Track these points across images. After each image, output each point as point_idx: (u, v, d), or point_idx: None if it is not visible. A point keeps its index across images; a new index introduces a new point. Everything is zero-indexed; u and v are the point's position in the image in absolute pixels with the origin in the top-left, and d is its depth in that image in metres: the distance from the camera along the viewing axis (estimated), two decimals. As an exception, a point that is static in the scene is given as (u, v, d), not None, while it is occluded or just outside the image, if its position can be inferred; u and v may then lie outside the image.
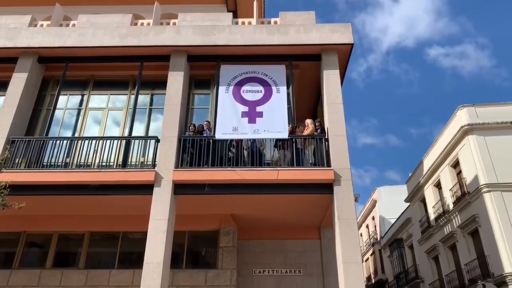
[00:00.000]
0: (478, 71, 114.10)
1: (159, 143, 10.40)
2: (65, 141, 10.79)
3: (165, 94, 11.19)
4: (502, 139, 19.10)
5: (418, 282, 25.80)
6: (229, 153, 10.26)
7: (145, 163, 10.50)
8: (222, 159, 10.12)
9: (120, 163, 10.31)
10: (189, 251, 11.65)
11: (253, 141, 10.50)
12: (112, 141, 10.66)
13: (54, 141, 10.77)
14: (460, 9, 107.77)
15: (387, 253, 32.23)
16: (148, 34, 11.73)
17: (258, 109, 10.89)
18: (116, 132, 11.61)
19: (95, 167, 10.22)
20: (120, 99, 12.26)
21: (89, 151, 10.45)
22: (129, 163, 10.40)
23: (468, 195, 19.34)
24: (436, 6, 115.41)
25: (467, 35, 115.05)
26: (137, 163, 10.52)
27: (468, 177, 19.76)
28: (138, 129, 11.47)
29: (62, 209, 11.10)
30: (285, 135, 10.35)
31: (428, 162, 24.14)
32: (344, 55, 11.68)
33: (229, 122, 10.63)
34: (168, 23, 12.58)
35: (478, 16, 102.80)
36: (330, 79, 11.16)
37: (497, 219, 17.49)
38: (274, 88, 11.22)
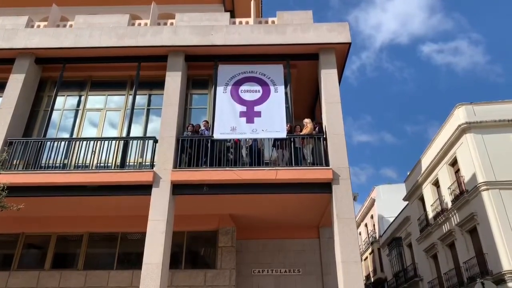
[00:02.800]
0: (472, 68, 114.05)
1: (157, 144, 10.38)
2: (63, 142, 10.77)
3: (163, 94, 11.18)
4: (500, 137, 19.14)
5: (417, 280, 25.85)
6: (229, 154, 10.25)
7: (143, 163, 10.49)
8: (220, 159, 10.12)
9: (118, 163, 10.30)
10: (188, 251, 11.64)
11: (254, 140, 10.50)
12: (110, 141, 10.64)
13: (52, 142, 10.75)
14: (453, 5, 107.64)
15: (386, 251, 32.28)
16: (146, 34, 11.71)
17: (256, 108, 10.88)
18: (114, 132, 11.60)
19: (93, 168, 10.21)
20: (118, 100, 12.24)
21: (87, 152, 10.43)
22: (127, 163, 10.39)
23: (466, 193, 19.38)
24: (430, 2, 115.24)
25: (461, 31, 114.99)
26: (135, 163, 10.50)
27: (466, 175, 19.80)
28: (136, 130, 11.46)
29: (60, 210, 11.09)
30: (283, 134, 10.35)
31: (426, 160, 24.18)
32: (341, 54, 11.69)
33: (227, 122, 10.63)
34: (165, 23, 12.56)
35: (471, 11, 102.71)
36: (328, 78, 11.17)
37: (495, 217, 17.53)
38: (272, 88, 11.23)
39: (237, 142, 10.48)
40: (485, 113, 19.75)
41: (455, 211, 20.63)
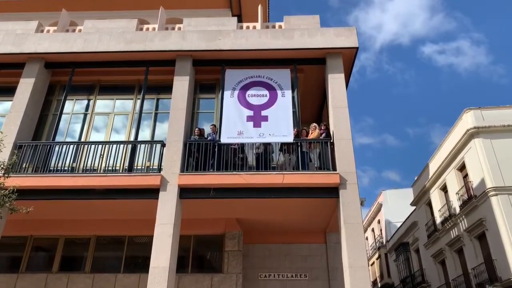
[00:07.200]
0: (475, 68, 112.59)
1: (164, 148, 10.43)
2: (71, 146, 10.86)
3: (170, 98, 11.25)
4: (508, 142, 18.96)
5: (424, 286, 25.60)
6: (235, 158, 10.26)
7: (151, 167, 10.54)
8: (227, 163, 10.14)
9: (126, 167, 10.36)
10: (195, 255, 11.65)
11: (264, 148, 10.48)
12: (118, 145, 10.71)
13: (61, 145, 10.84)
14: (455, 4, 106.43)
15: (393, 257, 32.04)
16: (154, 39, 11.80)
17: (263, 113, 10.91)
18: (122, 136, 11.67)
19: (101, 171, 10.27)
20: (126, 104, 12.33)
21: (95, 156, 10.50)
22: (135, 167, 10.44)
23: (474, 199, 19.20)
24: (431, 2, 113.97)
25: (462, 31, 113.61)
26: (143, 167, 10.55)
27: (474, 180, 19.62)
28: (144, 134, 11.52)
29: (68, 214, 11.16)
30: (290, 139, 10.35)
31: (433, 165, 24.01)
32: (348, 58, 11.69)
33: (234, 126, 10.66)
34: (173, 28, 12.65)
35: (473, 10, 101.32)
36: (335, 82, 11.17)
37: (504, 222, 17.33)
38: (279, 92, 11.25)
39: (241, 146, 10.47)
40: (494, 117, 19.59)
41: (463, 216, 20.44)
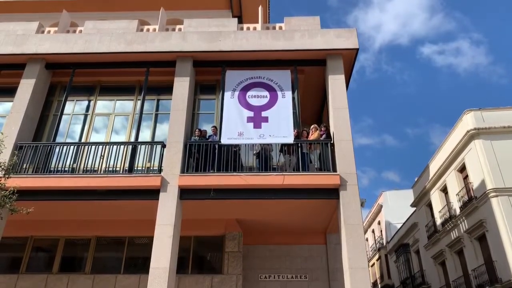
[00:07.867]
0: (474, 69, 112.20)
1: (165, 148, 10.44)
2: (71, 147, 10.87)
3: (171, 99, 11.26)
4: (509, 143, 18.96)
5: (425, 287, 25.59)
6: (235, 159, 10.27)
7: (151, 168, 10.55)
8: (227, 164, 10.14)
9: (126, 168, 10.36)
10: (195, 256, 11.65)
11: (262, 148, 10.49)
12: (118, 146, 10.72)
13: (61, 146, 10.85)
14: (454, 4, 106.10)
15: (393, 258, 32.02)
16: (154, 40, 11.81)
17: (264, 114, 10.92)
18: (122, 137, 11.68)
19: (102, 172, 10.28)
20: (126, 105, 12.34)
21: (96, 157, 10.51)
22: (135, 168, 10.44)
23: (475, 200, 19.20)
24: (430, 2, 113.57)
25: (462, 31, 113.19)
26: (143, 168, 10.56)
27: (475, 181, 19.62)
28: (144, 135, 11.53)
29: (68, 214, 11.16)
30: (290, 140, 10.36)
31: (434, 166, 24.01)
32: (349, 59, 11.70)
33: (234, 127, 10.67)
34: (173, 29, 12.68)
35: (472, 10, 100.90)
36: (335, 84, 11.18)
37: (504, 224, 17.33)
38: (279, 93, 11.26)
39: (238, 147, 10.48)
40: (494, 119, 19.60)
41: (463, 217, 20.43)
